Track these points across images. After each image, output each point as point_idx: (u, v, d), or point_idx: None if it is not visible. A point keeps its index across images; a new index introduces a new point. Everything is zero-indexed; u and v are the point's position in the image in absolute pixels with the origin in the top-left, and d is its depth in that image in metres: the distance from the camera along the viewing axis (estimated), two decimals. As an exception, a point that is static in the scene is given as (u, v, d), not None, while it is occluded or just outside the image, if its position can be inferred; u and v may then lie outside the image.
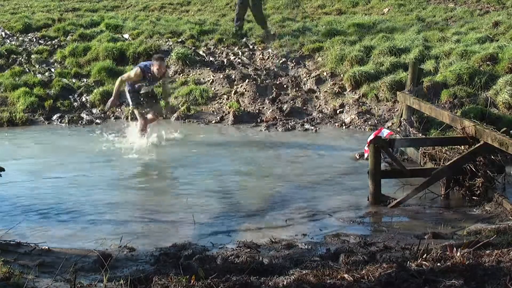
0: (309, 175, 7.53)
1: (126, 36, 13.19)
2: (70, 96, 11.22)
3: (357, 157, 8.13)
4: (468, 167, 6.28)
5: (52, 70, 12.00)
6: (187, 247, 5.05)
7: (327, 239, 5.39)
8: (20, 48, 12.72)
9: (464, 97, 9.51)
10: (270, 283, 3.82)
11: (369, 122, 9.84)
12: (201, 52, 12.31)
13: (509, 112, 9.12)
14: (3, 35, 13.35)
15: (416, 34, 12.06)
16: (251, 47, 12.54)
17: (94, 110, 10.92)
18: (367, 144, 6.77)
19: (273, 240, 5.27)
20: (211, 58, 12.14)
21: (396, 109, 9.69)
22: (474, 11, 14.01)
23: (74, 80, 11.68)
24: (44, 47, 12.76)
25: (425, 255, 4.13)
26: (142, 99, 8.85)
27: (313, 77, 11.25)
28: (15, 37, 13.31)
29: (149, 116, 8.95)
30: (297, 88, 11.05)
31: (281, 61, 11.87)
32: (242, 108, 10.55)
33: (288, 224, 5.90)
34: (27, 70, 11.90)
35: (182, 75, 11.70)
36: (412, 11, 14.56)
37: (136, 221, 6.06)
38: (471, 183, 6.33)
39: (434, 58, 10.75)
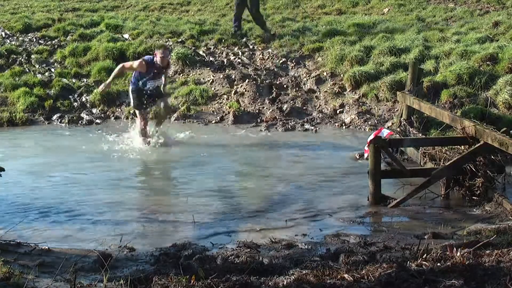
0: (309, 175, 7.53)
1: (126, 36, 13.20)
2: (70, 96, 11.22)
3: (357, 157, 8.13)
4: (468, 167, 6.28)
5: (52, 70, 12.00)
6: (187, 247, 5.05)
7: (327, 239, 5.39)
8: (20, 48, 12.72)
9: (464, 97, 9.51)
10: (270, 283, 3.83)
11: (369, 122, 9.84)
12: (201, 52, 12.31)
13: (509, 112, 9.12)
14: (3, 35, 13.36)
15: (416, 34, 12.06)
16: (251, 47, 12.54)
17: (94, 110, 10.92)
18: (367, 144, 6.76)
19: (273, 240, 5.27)
20: (211, 58, 12.14)
21: (396, 109, 9.69)
22: (474, 11, 14.01)
23: (74, 80, 11.68)
24: (44, 47, 12.76)
25: (425, 255, 4.13)
26: (145, 100, 8.81)
27: (313, 77, 11.25)
28: (15, 37, 13.32)
29: (161, 112, 8.91)
30: (297, 88, 11.05)
31: (281, 61, 11.87)
32: (242, 108, 10.55)
33: (288, 224, 5.90)
34: (27, 70, 11.90)
35: (182, 75, 11.70)
36: (412, 11, 14.56)
37: (136, 221, 6.06)
38: (471, 183, 6.34)
39: (434, 58, 10.75)
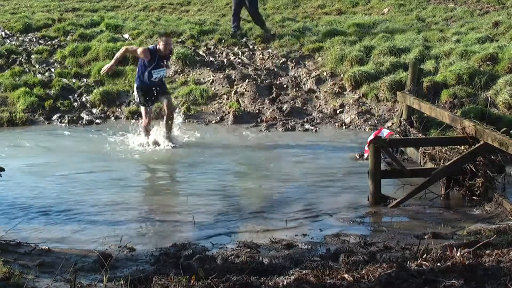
0: (309, 175, 7.53)
1: (126, 36, 13.19)
2: (70, 96, 11.22)
3: (357, 157, 8.13)
4: (468, 167, 6.28)
5: (52, 70, 12.00)
6: (187, 247, 5.05)
7: (327, 239, 5.39)
8: (20, 48, 12.72)
9: (464, 97, 9.51)
10: (270, 283, 3.83)
11: (369, 122, 9.84)
12: (201, 52, 12.31)
13: (509, 112, 9.12)
14: (3, 35, 13.35)
15: (416, 34, 12.05)
16: (251, 47, 12.54)
17: (94, 110, 10.92)
18: (367, 144, 6.76)
19: (273, 240, 5.27)
20: (211, 58, 12.14)
21: (396, 109, 9.69)
22: (474, 11, 14.00)
23: (74, 80, 11.68)
24: (44, 47, 12.76)
25: (425, 255, 4.13)
26: (148, 98, 8.80)
27: (313, 77, 11.25)
28: (15, 37, 13.31)
29: (165, 110, 8.90)
30: (297, 88, 11.05)
31: (281, 61, 11.87)
32: (242, 108, 10.55)
33: (288, 224, 5.90)
34: (27, 70, 11.90)
35: (182, 75, 11.70)
36: (412, 11, 14.55)
37: (136, 221, 6.06)
38: (471, 183, 6.33)
39: (434, 58, 10.75)
